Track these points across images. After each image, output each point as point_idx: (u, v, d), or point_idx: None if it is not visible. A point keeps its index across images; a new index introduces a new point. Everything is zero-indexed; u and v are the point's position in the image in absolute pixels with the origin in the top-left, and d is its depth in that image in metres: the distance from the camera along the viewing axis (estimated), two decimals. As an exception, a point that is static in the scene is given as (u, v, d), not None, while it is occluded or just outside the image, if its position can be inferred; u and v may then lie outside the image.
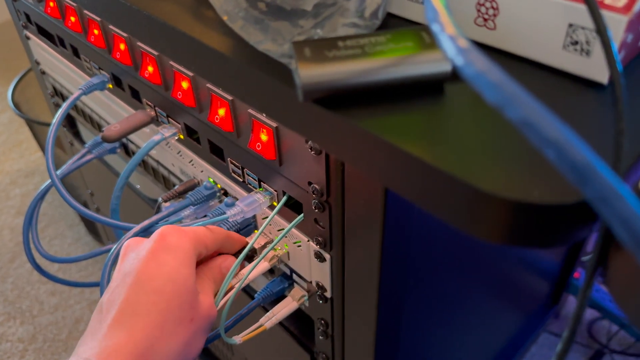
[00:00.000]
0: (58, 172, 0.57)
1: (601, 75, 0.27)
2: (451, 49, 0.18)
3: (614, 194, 0.15)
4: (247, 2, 0.32)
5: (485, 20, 0.29)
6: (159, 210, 0.56)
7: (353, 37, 0.27)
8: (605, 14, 0.25)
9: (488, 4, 0.29)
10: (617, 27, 0.25)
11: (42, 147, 1.34)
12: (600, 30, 0.21)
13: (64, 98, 0.80)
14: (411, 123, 0.26)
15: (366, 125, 0.25)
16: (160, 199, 0.55)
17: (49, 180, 0.57)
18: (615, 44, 0.25)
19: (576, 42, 0.26)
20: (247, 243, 0.44)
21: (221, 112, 0.44)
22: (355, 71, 0.26)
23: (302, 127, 0.30)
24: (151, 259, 0.34)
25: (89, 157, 0.63)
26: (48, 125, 1.09)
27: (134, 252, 0.36)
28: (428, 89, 0.27)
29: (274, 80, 0.29)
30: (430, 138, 0.25)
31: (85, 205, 1.05)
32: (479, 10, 0.29)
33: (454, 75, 0.27)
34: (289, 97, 0.29)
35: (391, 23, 0.33)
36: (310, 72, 0.26)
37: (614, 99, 0.21)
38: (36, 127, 1.25)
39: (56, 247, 1.28)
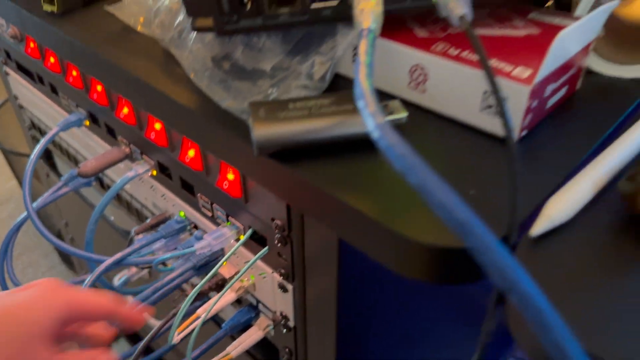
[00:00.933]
0: (34, 204, 0.59)
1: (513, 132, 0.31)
2: (371, 124, 0.22)
3: (488, 247, 0.19)
4: (212, 62, 0.36)
5: (417, 85, 0.34)
6: (131, 242, 0.58)
7: (302, 100, 0.31)
8: (512, 84, 0.30)
9: (419, 72, 0.33)
10: (522, 95, 0.29)
11: (17, 175, 1.34)
12: (498, 100, 0.26)
13: (41, 132, 0.82)
14: (349, 174, 0.30)
15: (310, 177, 0.30)
16: (132, 232, 0.58)
17: (25, 213, 0.59)
18: (522, 109, 0.30)
19: (490, 106, 0.31)
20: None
21: (191, 153, 0.47)
22: (302, 130, 0.30)
23: (258, 177, 0.34)
24: None
25: (64, 190, 0.65)
26: (23, 155, 1.11)
27: None
28: (365, 144, 0.31)
29: (234, 136, 0.33)
30: (364, 188, 0.29)
31: (59, 234, 1.06)
32: (411, 76, 0.34)
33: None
34: (246, 151, 0.33)
35: (340, 83, 0.37)
36: (263, 131, 0.30)
37: (509, 160, 0.25)
38: (11, 156, 1.26)
39: (30, 275, 1.28)
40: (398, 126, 0.33)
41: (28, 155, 0.61)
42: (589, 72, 0.39)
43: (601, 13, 0.32)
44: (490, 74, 0.26)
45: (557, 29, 0.33)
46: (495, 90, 0.26)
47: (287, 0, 0.32)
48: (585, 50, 0.34)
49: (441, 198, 0.19)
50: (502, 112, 0.26)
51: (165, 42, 0.39)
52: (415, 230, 0.26)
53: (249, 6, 0.32)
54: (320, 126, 0.30)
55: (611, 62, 0.38)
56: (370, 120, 0.23)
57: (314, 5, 0.32)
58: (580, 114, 0.35)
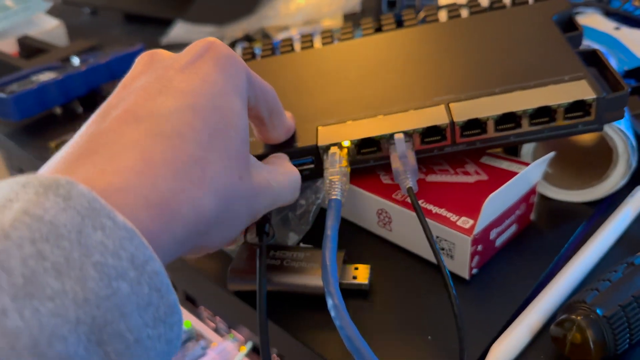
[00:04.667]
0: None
1: (463, 272, 0.36)
2: (329, 302, 0.27)
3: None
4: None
5: (384, 224, 0.39)
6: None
7: (281, 249, 0.37)
8: (457, 233, 0.34)
9: (384, 214, 0.38)
10: (466, 242, 0.34)
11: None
12: (436, 255, 0.31)
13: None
14: (323, 320, 0.34)
15: (281, 324, 0.35)
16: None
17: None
18: (468, 253, 0.35)
19: (443, 248, 0.36)
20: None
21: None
22: (272, 281, 0.35)
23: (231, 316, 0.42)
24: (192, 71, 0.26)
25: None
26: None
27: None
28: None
29: (222, 292, 0.39)
30: (328, 333, 0.33)
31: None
32: (378, 217, 0.39)
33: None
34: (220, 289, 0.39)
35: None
36: (238, 273, 0.36)
37: (454, 314, 0.30)
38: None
39: None
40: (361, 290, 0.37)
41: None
42: (546, 198, 0.43)
43: (537, 166, 0.36)
44: (430, 236, 0.31)
45: (504, 173, 0.38)
46: (434, 250, 0.31)
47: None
48: (528, 195, 0.39)
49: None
50: (443, 274, 0.30)
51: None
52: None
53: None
54: (285, 281, 0.35)
55: (561, 188, 0.42)
56: (329, 299, 0.28)
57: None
58: (531, 245, 0.39)
